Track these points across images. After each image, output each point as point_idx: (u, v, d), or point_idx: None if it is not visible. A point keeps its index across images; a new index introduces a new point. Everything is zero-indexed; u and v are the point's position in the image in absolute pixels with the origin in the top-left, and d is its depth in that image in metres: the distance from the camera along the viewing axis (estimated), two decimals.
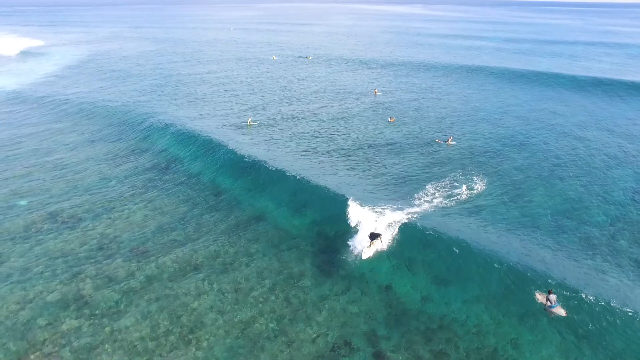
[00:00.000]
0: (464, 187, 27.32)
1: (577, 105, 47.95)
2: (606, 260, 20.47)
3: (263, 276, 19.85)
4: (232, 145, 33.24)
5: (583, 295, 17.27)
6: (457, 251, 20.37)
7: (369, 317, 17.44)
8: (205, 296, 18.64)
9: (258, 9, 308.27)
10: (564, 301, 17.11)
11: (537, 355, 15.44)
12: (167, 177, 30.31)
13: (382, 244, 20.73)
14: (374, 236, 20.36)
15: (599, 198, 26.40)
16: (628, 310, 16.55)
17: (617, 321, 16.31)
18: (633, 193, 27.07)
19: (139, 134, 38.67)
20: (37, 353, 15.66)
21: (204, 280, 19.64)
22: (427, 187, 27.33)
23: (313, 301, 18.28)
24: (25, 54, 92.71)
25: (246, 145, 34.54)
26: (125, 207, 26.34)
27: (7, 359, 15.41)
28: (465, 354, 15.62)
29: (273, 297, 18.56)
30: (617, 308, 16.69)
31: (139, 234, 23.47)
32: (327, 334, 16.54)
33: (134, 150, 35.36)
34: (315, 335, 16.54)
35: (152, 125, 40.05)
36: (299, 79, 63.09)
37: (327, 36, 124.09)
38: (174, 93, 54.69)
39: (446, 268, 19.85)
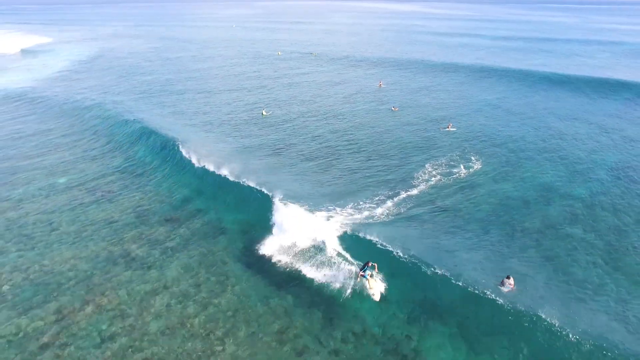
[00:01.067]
0: (462, 166, 30.17)
1: (567, 100, 50.56)
2: (585, 230, 23.31)
3: None
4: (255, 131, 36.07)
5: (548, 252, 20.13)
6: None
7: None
8: (233, 252, 21.47)
9: (257, 7, 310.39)
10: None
11: None
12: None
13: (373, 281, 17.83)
14: (363, 267, 18.08)
15: (581, 176, 29.23)
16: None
17: None
18: (610, 171, 29.89)
19: (150, 124, 41.42)
20: (99, 296, 18.49)
21: (231, 240, 22.47)
22: (426, 165, 30.21)
23: None
24: (26, 52, 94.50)
25: (267, 130, 37.38)
26: (152, 181, 29.23)
27: (75, 301, 18.22)
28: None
29: None
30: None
31: (169, 205, 26.31)
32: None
33: (148, 136, 38.05)
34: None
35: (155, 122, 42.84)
36: (305, 73, 65.89)
37: (329, 34, 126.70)
38: (183, 88, 57.39)
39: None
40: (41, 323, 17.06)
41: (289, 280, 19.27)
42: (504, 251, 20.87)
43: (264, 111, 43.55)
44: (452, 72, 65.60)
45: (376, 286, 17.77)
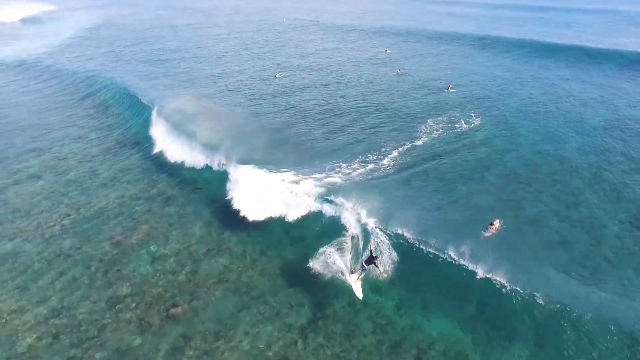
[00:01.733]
0: (462, 121, 32.59)
1: (562, 67, 52.08)
2: (570, 175, 25.94)
3: None
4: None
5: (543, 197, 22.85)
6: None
7: None
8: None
9: None
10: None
11: None
12: None
13: (379, 268, 16.79)
14: (370, 261, 16.57)
15: (573, 130, 31.63)
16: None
17: None
18: (599, 127, 32.25)
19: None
20: (145, 225, 21.45)
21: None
22: (429, 121, 32.68)
23: None
24: (27, 21, 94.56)
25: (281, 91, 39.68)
26: None
27: (125, 230, 21.19)
28: None
29: None
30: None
31: None
32: None
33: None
34: None
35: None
36: (311, 40, 67.17)
37: (333, 3, 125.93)
38: (195, 55, 59.02)
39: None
40: (100, 247, 20.08)
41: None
42: (502, 196, 23.43)
43: (277, 74, 45.57)
44: (455, 40, 66.71)
45: (359, 285, 16.82)
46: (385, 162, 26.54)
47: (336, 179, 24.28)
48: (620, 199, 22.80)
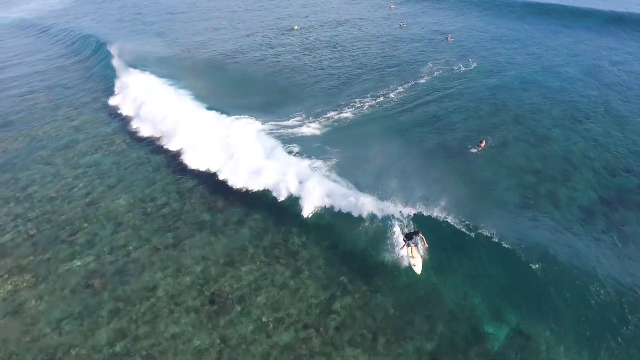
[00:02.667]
0: (460, 64, 36.75)
1: (550, 22, 55.54)
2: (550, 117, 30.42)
3: None
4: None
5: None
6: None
7: None
8: None
9: None
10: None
11: None
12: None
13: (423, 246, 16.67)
14: (410, 236, 16.52)
15: (554, 73, 35.89)
16: None
17: None
18: (580, 73, 36.52)
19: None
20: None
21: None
22: (429, 64, 36.84)
23: None
24: None
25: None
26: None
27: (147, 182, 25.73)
28: None
29: None
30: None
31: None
32: None
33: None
34: None
35: None
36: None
37: None
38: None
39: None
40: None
41: None
42: (492, 121, 27.94)
43: (295, 26, 49.42)
44: None
45: (419, 257, 16.49)
46: (392, 95, 30.96)
47: (348, 114, 28.74)
48: (582, 123, 27.51)
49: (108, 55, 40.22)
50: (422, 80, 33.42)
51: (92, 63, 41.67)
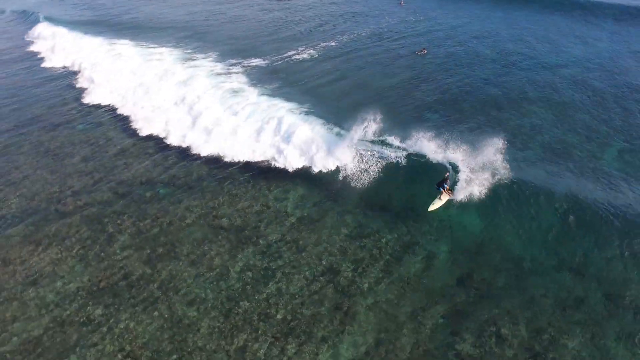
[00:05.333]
0: (411, 17, 48.78)
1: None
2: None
3: None
4: None
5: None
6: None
7: None
8: None
9: None
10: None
11: None
12: None
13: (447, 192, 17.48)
14: (441, 183, 17.26)
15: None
16: None
17: None
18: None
19: None
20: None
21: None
22: (386, 17, 48.70)
23: None
24: None
25: None
26: None
27: None
28: None
29: None
30: None
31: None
32: None
33: None
34: None
35: None
36: None
37: None
38: None
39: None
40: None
41: None
42: (430, 38, 39.74)
43: None
44: None
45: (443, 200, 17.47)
46: (362, 32, 42.48)
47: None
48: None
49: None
50: (383, 26, 45.22)
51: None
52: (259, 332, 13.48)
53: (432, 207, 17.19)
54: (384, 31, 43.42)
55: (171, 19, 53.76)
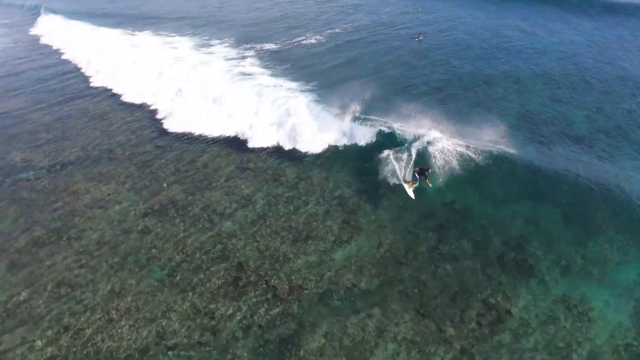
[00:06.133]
0: (410, 8, 52.40)
1: None
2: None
3: None
4: None
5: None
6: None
7: None
8: None
9: None
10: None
11: None
12: None
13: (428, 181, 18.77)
14: (421, 172, 18.64)
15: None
16: None
17: None
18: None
19: None
20: None
21: None
22: (387, 8, 52.31)
23: None
24: None
25: None
26: None
27: None
28: None
29: None
30: None
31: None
32: None
33: None
34: None
35: None
36: None
37: None
38: None
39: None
40: None
41: None
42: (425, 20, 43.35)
43: None
44: None
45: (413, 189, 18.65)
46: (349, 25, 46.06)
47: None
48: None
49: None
50: (384, 16, 48.85)
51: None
52: (283, 237, 17.03)
53: (412, 194, 18.57)
54: (385, 20, 47.02)
55: (185, 10, 57.54)
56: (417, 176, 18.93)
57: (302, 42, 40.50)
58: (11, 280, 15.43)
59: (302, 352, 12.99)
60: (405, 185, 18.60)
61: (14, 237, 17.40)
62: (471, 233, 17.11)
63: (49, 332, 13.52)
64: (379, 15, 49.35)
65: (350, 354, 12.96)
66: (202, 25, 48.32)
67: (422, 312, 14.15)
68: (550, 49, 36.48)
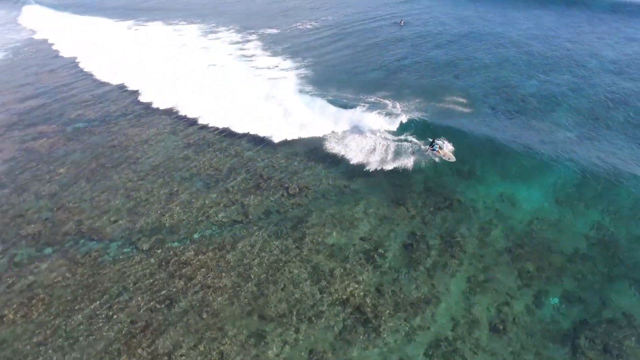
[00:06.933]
0: None
1: None
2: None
3: None
4: None
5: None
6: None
7: None
8: None
9: None
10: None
11: None
12: None
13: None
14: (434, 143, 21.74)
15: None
16: None
17: None
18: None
19: None
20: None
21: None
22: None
23: None
24: None
25: None
26: None
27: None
28: None
29: None
30: None
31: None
32: None
33: None
34: None
35: None
36: None
37: None
38: None
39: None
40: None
41: None
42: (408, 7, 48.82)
43: None
44: None
45: (448, 152, 21.85)
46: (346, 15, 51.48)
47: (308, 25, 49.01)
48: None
49: None
50: (372, 5, 54.34)
51: None
52: (282, 199, 22.27)
53: (451, 158, 21.91)
54: (373, 9, 52.52)
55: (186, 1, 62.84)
56: (432, 147, 22.36)
57: (299, 26, 45.91)
58: (91, 188, 20.71)
59: (309, 225, 18.38)
60: (440, 153, 22.01)
61: (85, 162, 22.68)
62: (452, 198, 22.60)
63: (126, 215, 18.84)
64: (367, 5, 54.89)
65: (343, 224, 18.39)
66: (209, 14, 53.51)
67: (396, 202, 19.61)
68: (508, 35, 42.12)
